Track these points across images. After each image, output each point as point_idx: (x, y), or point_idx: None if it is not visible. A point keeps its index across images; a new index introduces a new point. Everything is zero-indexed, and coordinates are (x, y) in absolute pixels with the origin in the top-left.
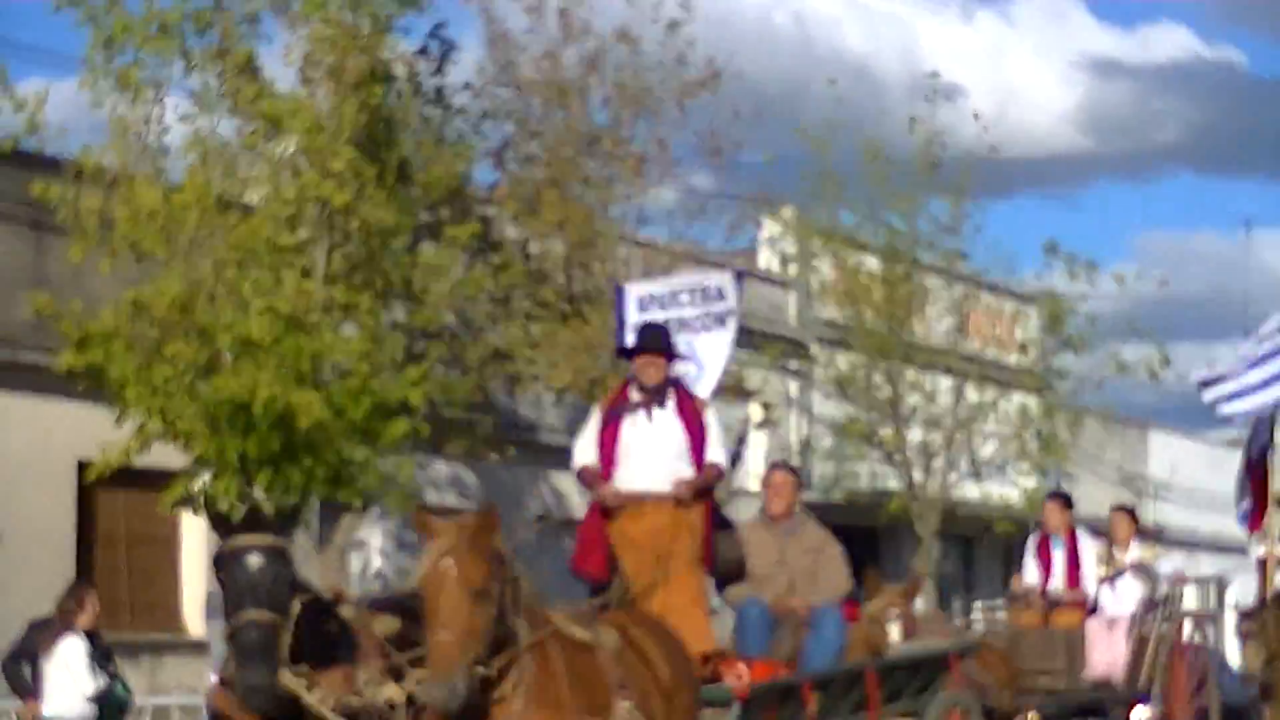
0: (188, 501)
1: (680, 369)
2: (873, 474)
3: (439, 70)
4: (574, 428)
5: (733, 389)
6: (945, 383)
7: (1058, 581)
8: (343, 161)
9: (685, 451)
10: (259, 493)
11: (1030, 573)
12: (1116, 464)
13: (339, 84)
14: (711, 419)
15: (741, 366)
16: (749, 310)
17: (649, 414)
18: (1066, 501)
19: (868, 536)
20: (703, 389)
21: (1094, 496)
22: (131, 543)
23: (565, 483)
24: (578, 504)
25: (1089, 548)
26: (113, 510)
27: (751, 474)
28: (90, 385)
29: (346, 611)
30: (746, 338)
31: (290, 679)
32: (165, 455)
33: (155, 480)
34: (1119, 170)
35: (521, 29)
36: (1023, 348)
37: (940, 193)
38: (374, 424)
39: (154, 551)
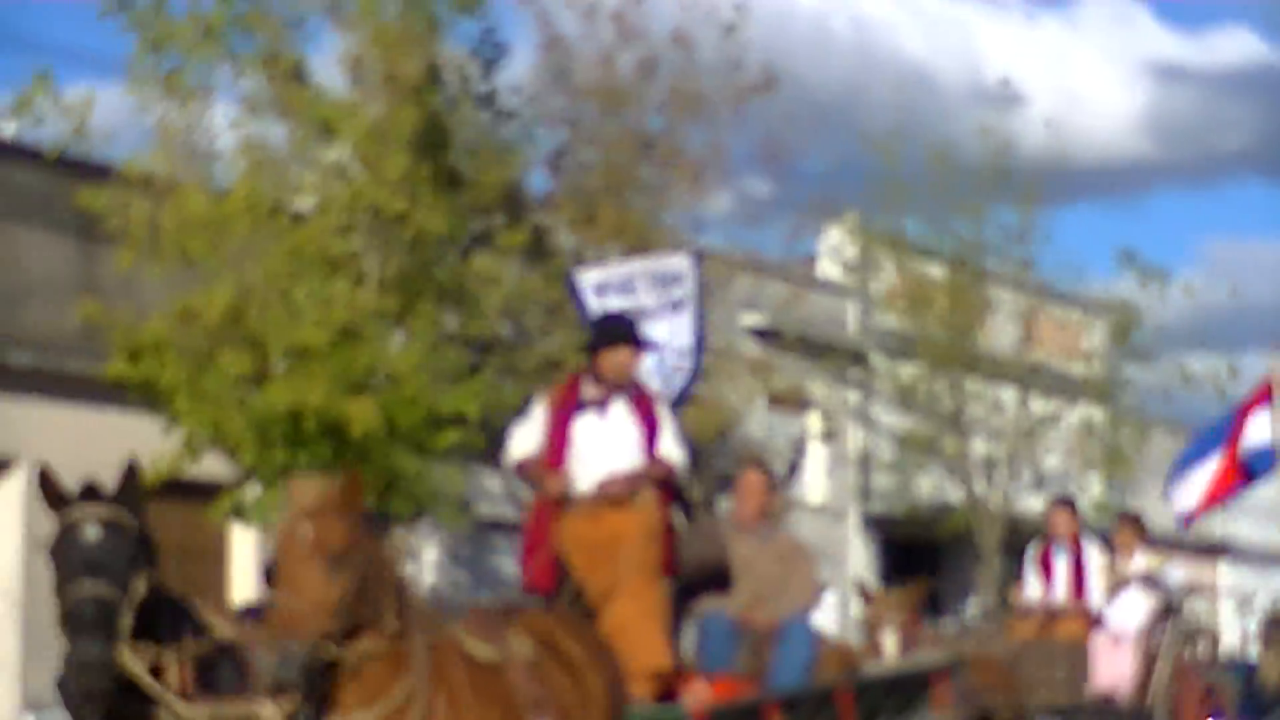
0: (237, 513)
1: (648, 361)
2: (935, 486)
3: (489, 74)
4: None
5: (792, 400)
6: (1009, 393)
7: (1060, 593)
8: (396, 167)
9: (643, 452)
10: None
11: (1031, 584)
12: None
13: (392, 88)
14: (665, 413)
15: (801, 377)
16: (808, 319)
17: (603, 411)
18: (1073, 508)
19: (930, 550)
20: (662, 381)
21: (1161, 510)
22: (180, 554)
23: None
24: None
25: (1094, 557)
26: (161, 521)
27: (811, 487)
28: (140, 394)
29: (223, 629)
30: (806, 347)
31: (131, 658)
32: (214, 466)
33: (204, 491)
34: (1184, 177)
35: (575, 33)
36: (1088, 358)
37: (1007, 200)
38: (426, 434)
39: (203, 563)
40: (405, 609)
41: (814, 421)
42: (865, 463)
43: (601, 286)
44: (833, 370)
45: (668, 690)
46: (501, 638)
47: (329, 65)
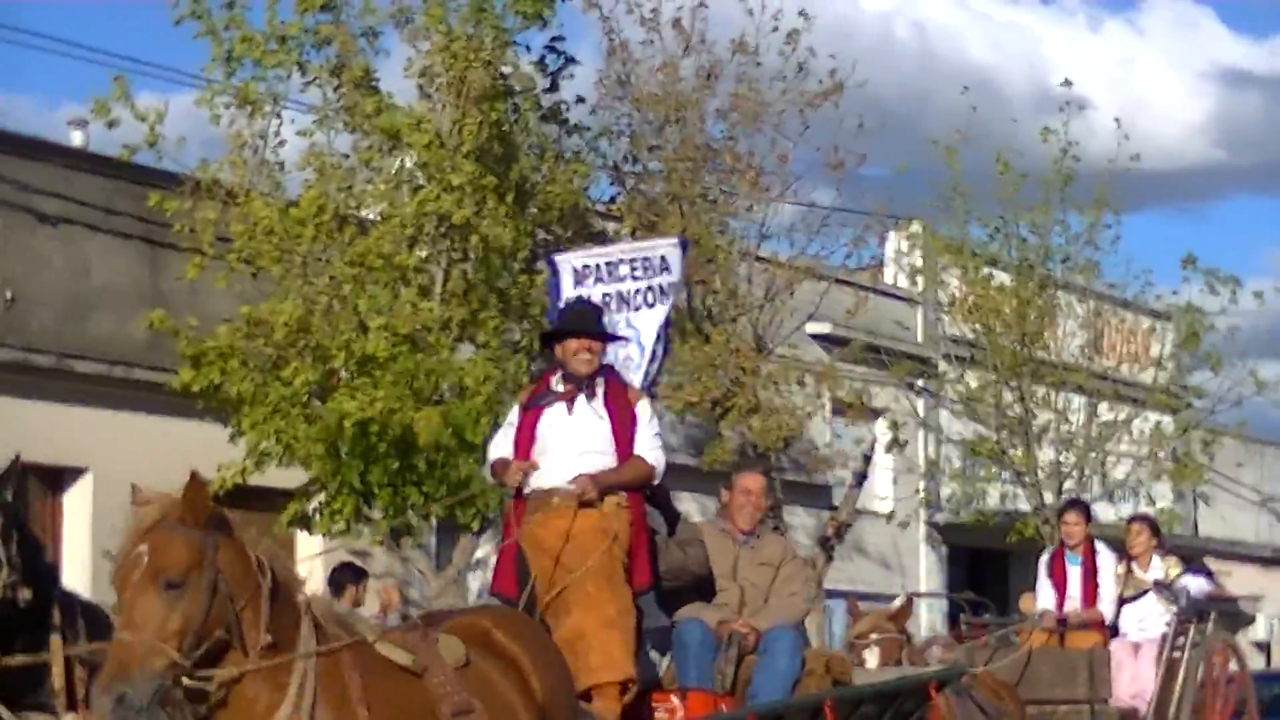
0: (303, 521)
1: (622, 352)
2: (1003, 495)
3: (555, 85)
4: (698, 447)
5: (858, 408)
6: (1077, 401)
7: (1074, 602)
8: (463, 176)
9: (611, 448)
10: (377, 513)
11: (1044, 593)
12: (1254, 485)
13: (459, 98)
14: (644, 410)
15: (867, 385)
16: (874, 327)
17: (570, 406)
18: (1086, 511)
19: (998, 559)
20: (643, 373)
21: (1232, 519)
22: None
23: (688, 503)
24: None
25: (1108, 564)
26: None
27: (879, 496)
28: (206, 403)
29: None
30: (873, 355)
31: None
32: (280, 474)
33: (270, 499)
34: (1252, 182)
35: (638, 41)
36: (1158, 364)
37: (1074, 205)
38: None
39: None
40: (286, 618)
41: (881, 430)
42: (932, 471)
43: (582, 271)
44: (900, 378)
45: (635, 706)
46: (429, 642)
47: (396, 75)
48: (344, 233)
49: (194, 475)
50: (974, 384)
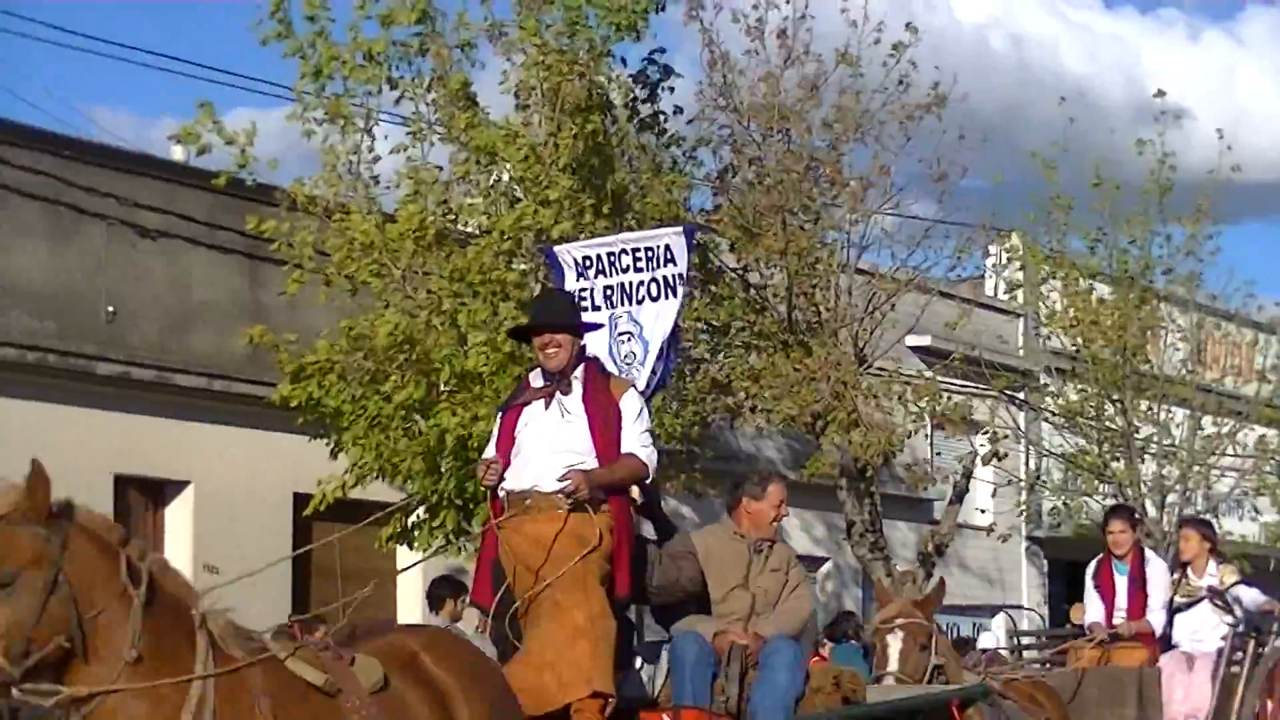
0: (404, 536)
1: (624, 348)
2: (1105, 509)
3: (653, 97)
4: (798, 461)
5: (960, 420)
6: (1180, 414)
7: (1122, 613)
8: (559, 189)
9: (589, 446)
10: (477, 528)
11: (1092, 604)
12: None
13: (555, 111)
14: (631, 403)
15: (968, 398)
16: (975, 339)
17: (548, 403)
18: (1132, 517)
19: None
20: (648, 370)
21: None
22: (347, 576)
23: (787, 517)
24: (799, 538)
25: (1158, 572)
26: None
27: (979, 510)
28: (307, 418)
29: None
30: (973, 368)
31: None
32: (381, 489)
33: (372, 513)
34: None
35: (740, 51)
36: (1262, 377)
37: (1174, 217)
38: None
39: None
40: (171, 632)
41: (981, 443)
42: (1033, 485)
43: (583, 263)
44: (1000, 391)
45: None
46: (344, 662)
47: (491, 89)
48: (442, 247)
49: (35, 464)
50: (1075, 397)
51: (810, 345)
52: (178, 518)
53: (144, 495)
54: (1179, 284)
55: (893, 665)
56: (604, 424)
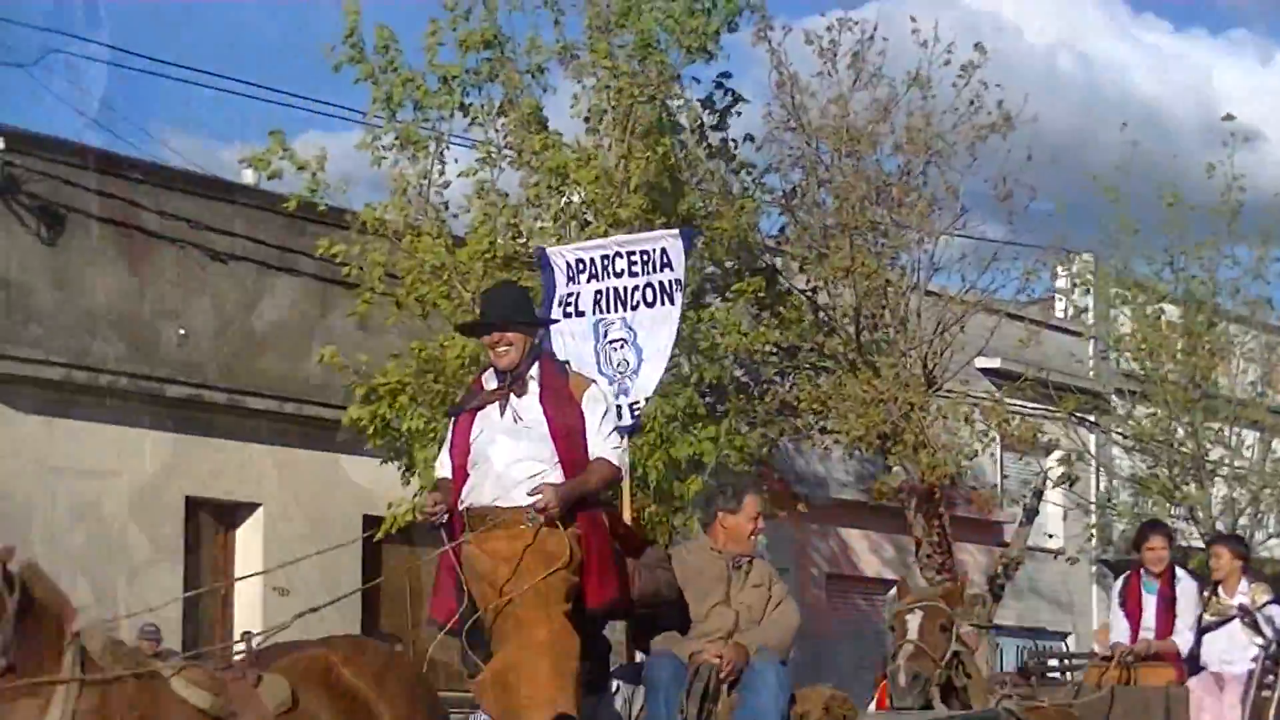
0: None
1: (617, 355)
2: (1176, 532)
3: (723, 122)
4: (866, 482)
5: (1028, 443)
6: (1251, 437)
7: (1149, 634)
8: (630, 211)
9: (551, 452)
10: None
11: (1118, 626)
12: None
13: (626, 134)
14: (594, 401)
15: (1038, 420)
16: (1045, 361)
17: (503, 407)
18: (1167, 534)
19: None
20: (645, 383)
21: None
22: (417, 599)
23: (856, 539)
24: (868, 560)
25: (1188, 590)
26: (399, 566)
27: (1049, 533)
28: (377, 441)
29: None
30: (1043, 390)
31: None
32: None
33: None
34: None
35: (809, 73)
36: None
37: (1243, 239)
38: (670, 483)
39: None
40: (40, 644)
41: (1051, 466)
42: (1103, 507)
43: (575, 265)
44: (1070, 413)
45: None
46: (246, 683)
47: (562, 112)
48: (512, 270)
49: None
50: (1145, 420)
51: (878, 366)
52: (248, 540)
53: (215, 518)
54: (1248, 306)
55: (912, 634)
56: (566, 428)
